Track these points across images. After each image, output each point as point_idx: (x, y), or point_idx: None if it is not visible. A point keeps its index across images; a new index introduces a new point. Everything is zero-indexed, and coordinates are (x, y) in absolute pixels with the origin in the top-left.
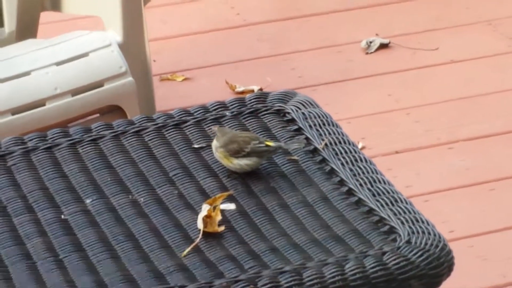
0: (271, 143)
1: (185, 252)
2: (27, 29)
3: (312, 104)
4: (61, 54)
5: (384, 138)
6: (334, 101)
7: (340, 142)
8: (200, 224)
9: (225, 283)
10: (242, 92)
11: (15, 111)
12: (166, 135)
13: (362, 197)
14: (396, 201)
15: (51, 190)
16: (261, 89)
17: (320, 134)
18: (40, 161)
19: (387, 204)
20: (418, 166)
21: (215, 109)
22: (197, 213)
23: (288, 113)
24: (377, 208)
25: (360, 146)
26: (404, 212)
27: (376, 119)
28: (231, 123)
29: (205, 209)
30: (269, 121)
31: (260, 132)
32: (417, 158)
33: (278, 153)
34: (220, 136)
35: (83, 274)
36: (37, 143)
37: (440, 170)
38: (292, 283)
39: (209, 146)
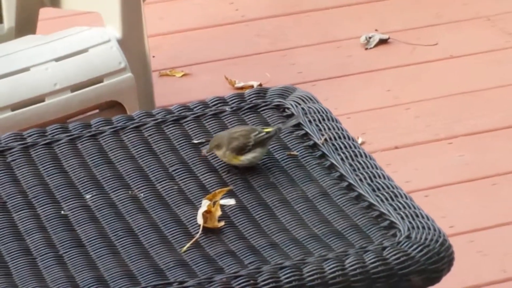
0: (269, 129)
1: (185, 248)
2: (26, 25)
3: (311, 100)
4: (60, 50)
5: (383, 133)
6: (334, 97)
7: (339, 137)
8: (200, 220)
9: (225, 278)
10: (241, 88)
11: (14, 107)
12: (166, 131)
13: (362, 192)
14: (396, 196)
15: (50, 186)
16: (260, 85)
17: (320, 129)
18: (40, 157)
19: (387, 199)
20: (418, 161)
21: (214, 105)
22: (197, 209)
23: (288, 108)
24: (377, 203)
25: (359, 141)
26: (404, 207)
27: (375, 115)
28: (230, 119)
29: (205, 204)
30: (268, 116)
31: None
32: (417, 153)
33: (277, 143)
34: (219, 144)
35: (83, 269)
36: (36, 139)
37: (439, 165)
38: (292, 278)
39: (209, 141)
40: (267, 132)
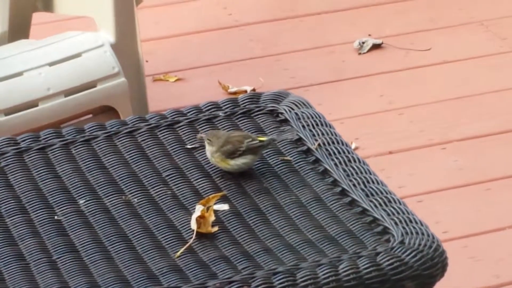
0: (263, 138)
1: (178, 253)
2: (19, 29)
3: (305, 105)
4: (53, 55)
5: (377, 139)
6: (327, 102)
7: (333, 143)
8: (193, 225)
9: (219, 284)
10: (235, 93)
11: (8, 111)
12: (159, 136)
13: (355, 197)
14: (389, 201)
15: (44, 191)
16: (254, 90)
17: (313, 135)
18: (33, 162)
19: (380, 204)
20: (412, 167)
21: (208, 110)
22: (190, 214)
23: (281, 113)
24: (370, 209)
25: (353, 146)
26: (398, 213)
27: (369, 120)
28: (224, 124)
29: (198, 209)
30: (262, 121)
31: (253, 132)
32: (411, 159)
33: (270, 148)
34: (213, 141)
35: (77, 275)
36: (30, 144)
37: (433, 170)
38: (286, 284)
39: (202, 147)
40: (261, 141)
